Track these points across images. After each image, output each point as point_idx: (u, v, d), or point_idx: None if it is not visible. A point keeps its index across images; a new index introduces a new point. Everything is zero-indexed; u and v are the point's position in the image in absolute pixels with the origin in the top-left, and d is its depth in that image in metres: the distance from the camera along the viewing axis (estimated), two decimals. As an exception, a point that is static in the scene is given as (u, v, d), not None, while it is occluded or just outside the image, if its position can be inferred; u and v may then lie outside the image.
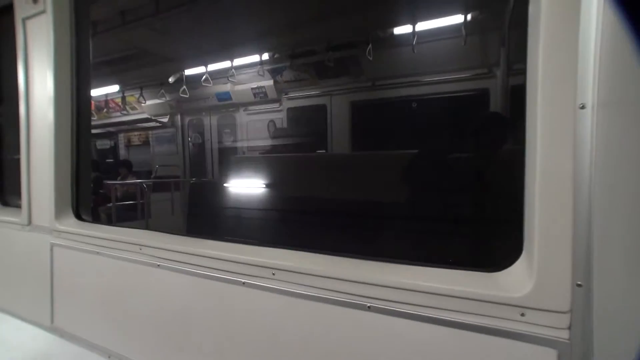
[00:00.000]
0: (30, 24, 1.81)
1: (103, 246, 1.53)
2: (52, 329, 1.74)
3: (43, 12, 1.71)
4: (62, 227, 1.70)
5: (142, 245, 1.39)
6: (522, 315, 0.76)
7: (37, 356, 1.66)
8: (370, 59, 3.58)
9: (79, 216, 1.76)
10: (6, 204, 2.35)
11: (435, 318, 0.84)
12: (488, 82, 3.21)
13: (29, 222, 1.86)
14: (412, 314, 0.86)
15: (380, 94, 4.17)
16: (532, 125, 0.74)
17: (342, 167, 1.92)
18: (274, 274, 1.07)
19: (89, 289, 1.62)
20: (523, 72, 0.78)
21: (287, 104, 5.03)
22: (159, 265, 1.34)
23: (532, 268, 0.75)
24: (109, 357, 1.51)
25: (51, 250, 1.74)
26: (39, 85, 1.79)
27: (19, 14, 1.82)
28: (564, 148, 0.70)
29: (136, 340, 1.44)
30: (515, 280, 0.78)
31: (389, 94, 4.10)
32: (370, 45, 3.36)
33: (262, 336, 1.10)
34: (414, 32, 3.15)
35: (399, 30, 3.42)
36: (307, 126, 5.06)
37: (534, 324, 0.75)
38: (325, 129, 4.57)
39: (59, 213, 1.74)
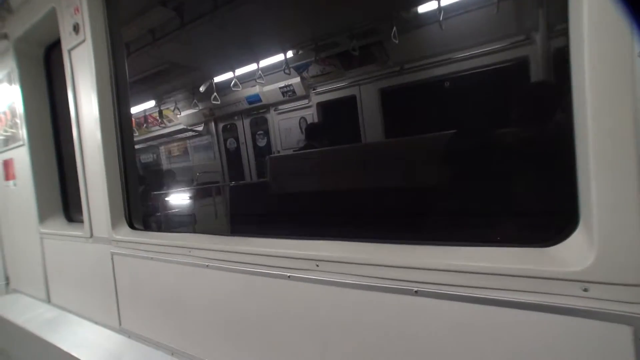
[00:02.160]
0: (74, 54, 1.96)
1: (155, 252, 1.63)
2: (121, 330, 1.89)
3: (84, 41, 1.85)
4: (118, 237, 1.83)
5: (191, 248, 1.47)
6: (585, 290, 0.71)
7: (111, 355, 1.81)
8: (396, 42, 3.50)
9: (132, 226, 1.89)
10: (71, 220, 2.58)
11: (486, 298, 0.81)
12: (526, 49, 3.02)
13: (91, 235, 2.02)
14: (461, 295, 0.84)
15: (409, 77, 4.06)
16: (580, 81, 0.69)
17: (380, 155, 1.90)
18: (317, 266, 1.09)
19: (148, 292, 1.73)
20: (566, 31, 0.72)
21: (316, 99, 5.05)
22: (207, 265, 1.40)
23: (592, 238, 0.70)
24: (172, 354, 1.61)
25: (112, 259, 1.88)
26: (86, 109, 1.94)
27: (65, 46, 1.99)
28: (621, 101, 0.64)
29: (194, 337, 1.53)
30: (573, 254, 0.74)
31: (419, 77, 3.99)
32: (394, 28, 3.27)
33: (309, 328, 1.13)
34: (439, 8, 3.03)
35: (423, 7, 3.30)
36: (337, 118, 5.05)
37: (601, 299, 0.69)
38: (356, 119, 4.54)
39: (115, 224, 1.87)
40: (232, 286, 1.34)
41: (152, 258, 1.65)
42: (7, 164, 2.87)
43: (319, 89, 4.95)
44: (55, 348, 2.01)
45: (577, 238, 0.75)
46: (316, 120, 5.03)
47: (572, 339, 0.72)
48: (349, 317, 1.03)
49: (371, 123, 4.35)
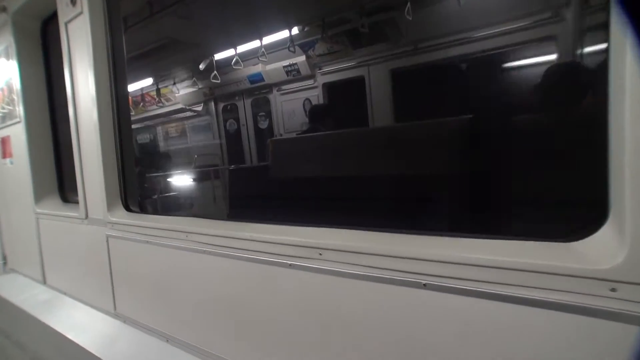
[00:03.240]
0: (71, 27, 1.93)
1: (151, 235, 1.63)
2: (116, 315, 1.91)
3: (81, 13, 1.82)
4: (114, 219, 1.83)
5: (188, 232, 1.45)
6: (613, 290, 0.68)
7: (106, 339, 1.83)
8: (410, 19, 3.40)
9: (128, 208, 1.88)
10: (66, 200, 2.59)
11: (502, 295, 0.79)
12: (555, 27, 2.91)
13: (86, 216, 2.02)
14: (473, 290, 0.83)
15: (423, 58, 3.97)
16: (618, 65, 0.65)
17: (389, 140, 1.86)
18: (321, 254, 1.07)
19: (144, 277, 1.74)
20: (606, 6, 0.68)
21: (322, 79, 4.98)
22: (205, 251, 1.39)
23: (623, 235, 0.66)
24: (167, 340, 1.62)
25: (107, 241, 1.88)
26: (83, 86, 1.92)
27: (61, 18, 1.96)
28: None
29: (190, 324, 1.53)
30: (601, 250, 0.71)
31: (434, 57, 3.90)
32: (408, 4, 3.18)
33: (310, 319, 1.12)
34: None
35: (439, -18, 3.21)
36: (344, 100, 4.99)
37: (630, 301, 0.66)
38: (364, 102, 4.48)
39: (110, 206, 1.87)
40: (230, 273, 1.33)
41: (147, 242, 1.64)
42: (4, 141, 2.87)
43: (326, 69, 4.87)
44: (52, 330, 2.04)
45: (605, 233, 0.72)
46: (321, 102, 4.97)
47: (595, 341, 0.70)
48: (353, 309, 1.02)
49: (380, 106, 4.29)
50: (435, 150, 1.59)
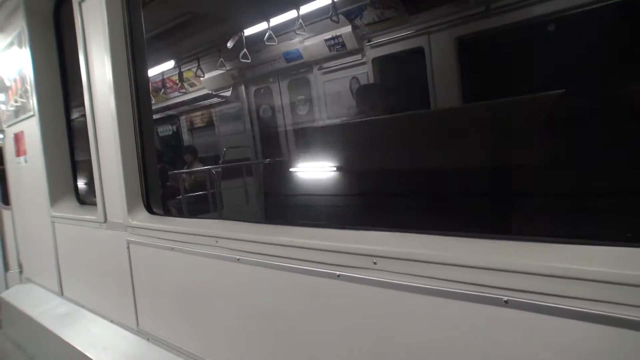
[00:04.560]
0: (85, 7, 2.06)
1: (176, 240, 1.70)
2: (139, 332, 2.02)
3: None
4: (135, 223, 1.94)
5: (218, 238, 1.51)
6: None
7: (129, 359, 1.95)
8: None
9: (150, 210, 1.99)
10: (83, 202, 2.79)
11: (610, 317, 0.75)
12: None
13: (105, 220, 2.16)
14: (574, 311, 0.78)
15: (498, 20, 3.81)
16: None
17: (456, 124, 1.81)
18: (375, 263, 1.07)
19: (169, 289, 1.83)
20: None
21: (372, 54, 4.93)
22: (238, 259, 1.44)
23: None
24: None
25: (128, 247, 2.00)
26: (99, 73, 2.05)
27: None
28: None
29: (222, 344, 1.59)
30: None
31: (512, 18, 3.73)
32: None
33: (362, 338, 1.12)
34: None
35: None
36: (399, 77, 4.91)
37: None
38: (424, 78, 4.38)
39: (131, 208, 1.98)
40: (267, 285, 1.37)
41: (172, 248, 1.73)
42: (17, 137, 3.13)
43: (376, 41, 4.82)
44: (71, 347, 2.21)
45: None
46: (372, 80, 4.93)
47: None
48: (414, 330, 1.01)
49: (444, 82, 4.18)
50: (517, 135, 1.53)
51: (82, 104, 2.23)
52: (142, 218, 1.95)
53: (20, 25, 2.78)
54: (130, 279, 2.02)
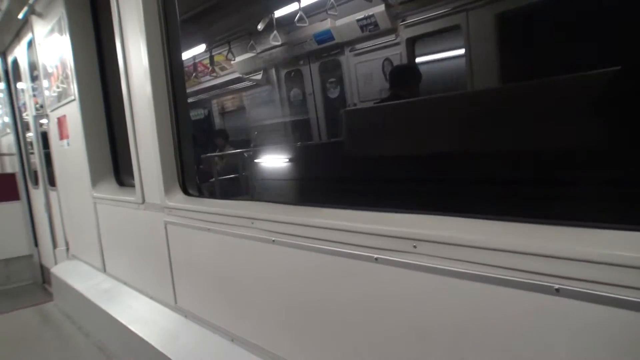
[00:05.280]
0: None
1: (212, 222, 1.72)
2: (177, 309, 2.08)
3: None
4: (172, 204, 1.97)
5: (254, 219, 1.51)
6: None
7: (167, 334, 2.03)
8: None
9: (186, 191, 2.02)
10: (122, 183, 2.87)
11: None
12: None
13: (143, 201, 2.22)
14: (631, 301, 0.74)
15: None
16: None
17: (498, 106, 1.74)
18: (415, 247, 1.05)
19: (205, 268, 1.86)
20: None
21: (406, 34, 4.80)
22: (273, 240, 1.44)
23: None
24: (232, 340, 1.72)
25: (165, 228, 2.04)
26: (135, 57, 2.08)
27: None
28: None
29: (258, 324, 1.61)
30: None
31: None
32: None
33: (401, 323, 1.10)
34: None
35: None
36: (435, 58, 4.78)
37: None
38: (460, 59, 4.25)
39: (168, 190, 2.02)
40: (303, 267, 1.36)
41: (209, 229, 1.75)
42: (60, 121, 3.25)
43: (410, 20, 4.69)
44: (115, 321, 2.32)
45: None
46: (405, 59, 4.82)
47: None
48: (457, 316, 0.98)
49: (482, 63, 4.03)
50: (564, 117, 1.45)
51: (120, 88, 2.27)
52: (179, 199, 1.98)
53: (60, 11, 2.85)
54: (168, 258, 2.06)
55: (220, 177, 4.89)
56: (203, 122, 8.79)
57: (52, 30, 3.07)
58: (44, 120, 3.60)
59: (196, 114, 8.79)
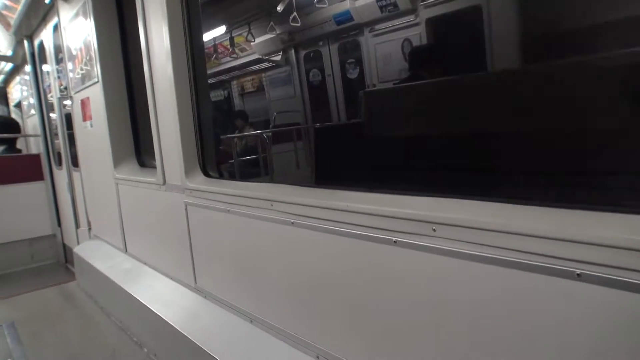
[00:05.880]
0: None
1: (232, 203, 1.74)
2: (197, 289, 2.12)
3: None
4: (192, 185, 1.99)
5: (273, 201, 1.52)
6: None
7: (188, 315, 2.07)
8: None
9: (206, 173, 2.04)
10: (143, 164, 2.91)
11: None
12: None
13: (164, 182, 2.25)
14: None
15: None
16: None
17: (522, 87, 1.69)
18: (434, 230, 1.04)
19: (224, 249, 1.88)
20: None
21: (426, 14, 4.70)
22: (292, 222, 1.44)
23: None
24: (252, 321, 1.75)
25: (186, 209, 2.07)
26: (157, 40, 2.09)
27: None
28: None
29: (277, 306, 1.63)
30: None
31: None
32: None
33: (420, 307, 1.10)
34: None
35: None
36: (454, 39, 4.67)
37: None
38: (481, 40, 4.14)
39: (188, 171, 2.04)
40: (322, 249, 1.37)
41: (228, 210, 1.76)
42: (84, 103, 3.30)
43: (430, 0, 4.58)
44: (135, 300, 2.37)
45: None
46: (425, 41, 4.72)
47: None
48: (477, 299, 0.98)
49: (503, 44, 3.92)
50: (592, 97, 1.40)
51: (142, 71, 2.28)
52: (199, 181, 2.00)
53: None
54: (188, 239, 2.10)
55: (240, 159, 4.93)
56: (223, 102, 8.82)
57: (77, 14, 3.10)
58: (67, 102, 3.65)
59: (216, 95, 8.83)
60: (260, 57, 6.98)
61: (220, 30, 6.77)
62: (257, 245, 1.68)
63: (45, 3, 3.46)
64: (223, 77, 8.24)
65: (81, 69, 3.21)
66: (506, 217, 0.92)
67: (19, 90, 6.68)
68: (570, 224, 0.84)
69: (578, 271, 0.81)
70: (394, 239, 1.13)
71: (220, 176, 2.13)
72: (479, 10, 4.18)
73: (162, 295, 2.32)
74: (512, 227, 0.89)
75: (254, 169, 5.06)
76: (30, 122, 5.97)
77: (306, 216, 1.40)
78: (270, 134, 5.23)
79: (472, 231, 0.96)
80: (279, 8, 5.22)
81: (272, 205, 1.53)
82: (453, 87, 2.16)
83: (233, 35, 6.87)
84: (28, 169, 4.83)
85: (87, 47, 3.00)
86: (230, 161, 4.79)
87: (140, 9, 2.17)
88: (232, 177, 4.70)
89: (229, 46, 7.34)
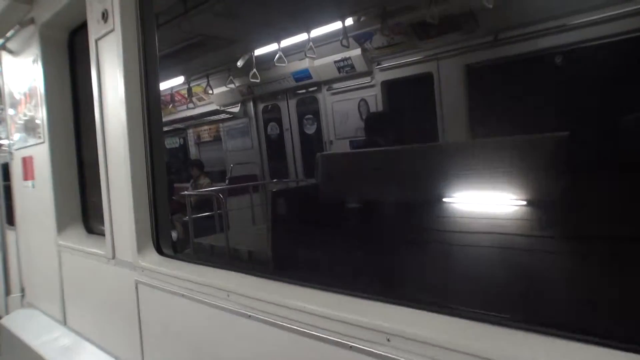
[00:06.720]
0: (101, 44, 2.09)
1: (188, 288, 1.69)
2: None
3: (112, 30, 1.96)
4: (144, 264, 1.93)
5: (230, 292, 1.50)
6: None
7: None
8: (490, 6, 3.32)
9: (160, 250, 1.98)
10: (91, 231, 2.76)
11: None
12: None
13: (113, 256, 2.15)
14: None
15: (507, 50, 3.85)
16: None
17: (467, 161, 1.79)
18: (389, 340, 1.05)
19: (178, 336, 1.81)
20: None
21: (381, 77, 4.96)
22: (250, 316, 1.43)
23: None
24: None
25: (136, 287, 1.99)
26: (112, 112, 2.05)
27: (92, 35, 2.13)
28: None
29: None
30: None
31: (520, 49, 3.77)
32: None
33: None
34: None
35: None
36: (407, 102, 4.93)
37: None
38: (432, 104, 4.40)
39: (140, 247, 1.97)
40: (278, 346, 1.36)
41: (183, 295, 1.72)
42: (26, 161, 3.12)
43: (385, 64, 4.85)
44: None
45: None
46: (380, 101, 4.95)
47: None
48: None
49: (452, 111, 4.19)
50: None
51: (94, 133, 2.22)
52: (152, 260, 1.94)
53: (34, 52, 2.79)
54: (138, 319, 2.00)
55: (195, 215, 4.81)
56: (178, 150, 8.72)
57: (23, 70, 2.99)
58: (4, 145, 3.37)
59: (171, 142, 8.72)
60: (219, 107, 7.03)
61: (179, 80, 6.79)
62: (212, 334, 1.63)
63: None
64: (179, 125, 8.19)
65: (24, 115, 3.03)
66: (466, 337, 0.94)
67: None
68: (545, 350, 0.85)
69: None
70: (349, 344, 1.14)
71: (176, 253, 2.07)
72: (429, 77, 4.47)
73: None
74: (471, 349, 0.91)
75: (208, 222, 4.95)
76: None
77: (263, 311, 1.39)
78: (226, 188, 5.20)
79: (428, 347, 0.98)
80: (239, 64, 5.33)
81: (228, 295, 1.51)
82: (405, 154, 2.26)
83: (191, 85, 6.90)
84: None
85: (32, 94, 2.88)
86: (185, 219, 4.69)
87: (95, 76, 2.13)
88: (186, 233, 4.57)
89: (186, 95, 7.35)
